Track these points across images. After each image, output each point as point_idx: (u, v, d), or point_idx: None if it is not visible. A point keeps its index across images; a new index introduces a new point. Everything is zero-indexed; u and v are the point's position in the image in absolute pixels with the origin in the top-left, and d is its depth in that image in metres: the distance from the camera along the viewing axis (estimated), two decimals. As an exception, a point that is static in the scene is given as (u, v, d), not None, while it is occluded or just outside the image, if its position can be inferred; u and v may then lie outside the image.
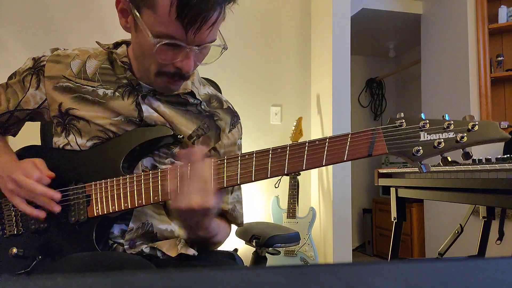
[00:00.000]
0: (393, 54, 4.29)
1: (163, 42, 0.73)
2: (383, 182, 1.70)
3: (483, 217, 1.79)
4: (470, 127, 0.65)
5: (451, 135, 0.65)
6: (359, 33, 3.42)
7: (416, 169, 1.47)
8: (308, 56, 2.73)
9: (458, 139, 0.65)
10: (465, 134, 0.65)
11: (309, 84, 2.71)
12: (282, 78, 2.66)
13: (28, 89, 0.90)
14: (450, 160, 0.68)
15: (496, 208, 1.88)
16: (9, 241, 0.84)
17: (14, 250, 0.81)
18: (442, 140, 0.65)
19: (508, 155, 1.15)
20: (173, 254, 0.84)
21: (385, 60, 4.49)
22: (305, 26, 2.73)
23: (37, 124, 1.16)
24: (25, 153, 0.91)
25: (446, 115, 0.67)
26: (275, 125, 2.62)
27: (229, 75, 2.54)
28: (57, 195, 0.80)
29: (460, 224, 1.80)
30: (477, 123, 0.65)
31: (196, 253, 0.85)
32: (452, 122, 0.66)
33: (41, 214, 0.80)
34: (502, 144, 2.03)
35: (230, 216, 0.95)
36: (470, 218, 1.80)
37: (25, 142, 0.95)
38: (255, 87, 2.60)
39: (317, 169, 2.61)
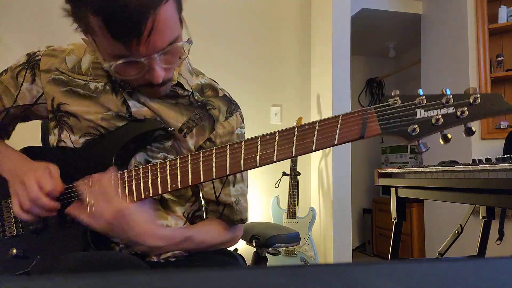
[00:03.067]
0: (393, 54, 4.29)
1: (116, 64, 0.71)
2: (383, 182, 1.70)
3: (483, 217, 1.79)
4: (471, 101, 0.60)
5: (451, 110, 0.60)
6: (359, 33, 3.42)
7: (416, 169, 1.47)
8: (308, 56, 2.73)
9: (459, 114, 0.60)
10: (466, 109, 0.60)
11: (309, 84, 2.71)
12: (282, 78, 2.66)
13: (22, 84, 0.88)
14: (450, 137, 0.62)
15: (496, 208, 1.88)
16: (10, 242, 0.84)
17: (14, 251, 0.81)
18: (441, 116, 0.60)
19: (508, 155, 1.15)
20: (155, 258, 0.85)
21: (385, 60, 4.49)
22: (305, 26, 2.73)
23: (37, 125, 1.16)
24: (26, 154, 0.89)
25: (447, 90, 0.61)
26: (275, 125, 2.62)
27: (229, 75, 2.54)
28: (57, 206, 0.80)
29: (460, 224, 1.80)
30: (479, 95, 0.59)
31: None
32: (451, 96, 0.60)
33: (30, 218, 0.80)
34: (502, 144, 2.03)
35: (233, 212, 0.90)
36: (470, 218, 1.80)
37: (25, 142, 0.95)
38: (255, 87, 2.60)
39: (317, 168, 2.60)
